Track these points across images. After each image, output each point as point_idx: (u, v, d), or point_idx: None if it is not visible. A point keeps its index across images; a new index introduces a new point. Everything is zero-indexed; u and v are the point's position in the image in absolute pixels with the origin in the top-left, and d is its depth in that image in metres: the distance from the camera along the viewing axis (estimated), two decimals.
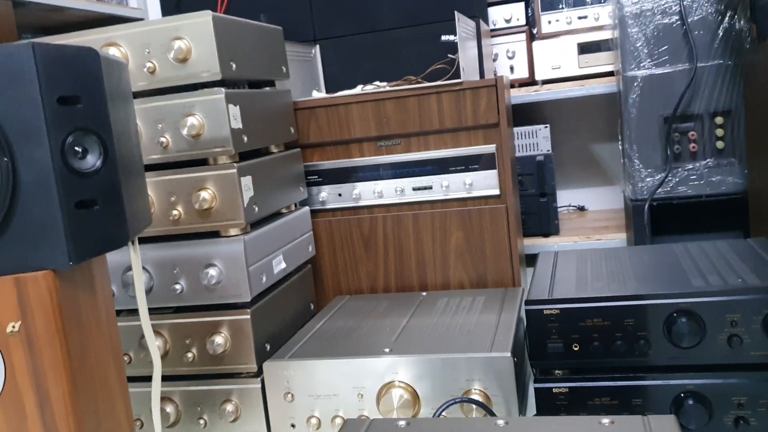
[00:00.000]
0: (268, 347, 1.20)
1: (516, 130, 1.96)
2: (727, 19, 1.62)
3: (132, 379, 1.13)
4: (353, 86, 1.55)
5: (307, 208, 1.43)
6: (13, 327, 0.73)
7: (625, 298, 0.99)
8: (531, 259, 1.46)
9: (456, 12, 1.43)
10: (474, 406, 1.03)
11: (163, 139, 1.13)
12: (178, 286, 1.15)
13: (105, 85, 0.76)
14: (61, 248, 0.72)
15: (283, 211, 1.35)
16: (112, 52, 1.12)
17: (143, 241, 1.16)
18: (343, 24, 1.67)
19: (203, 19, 1.10)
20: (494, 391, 1.05)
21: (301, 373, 1.10)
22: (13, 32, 1.49)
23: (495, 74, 1.98)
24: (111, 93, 0.78)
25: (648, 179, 1.71)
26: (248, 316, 1.15)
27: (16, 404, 0.74)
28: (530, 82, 2.00)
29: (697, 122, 1.68)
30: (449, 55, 1.57)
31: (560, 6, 1.98)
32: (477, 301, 1.32)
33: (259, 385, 1.15)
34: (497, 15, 2.02)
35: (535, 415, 1.04)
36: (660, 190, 1.70)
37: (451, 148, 1.42)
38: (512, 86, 1.97)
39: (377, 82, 1.55)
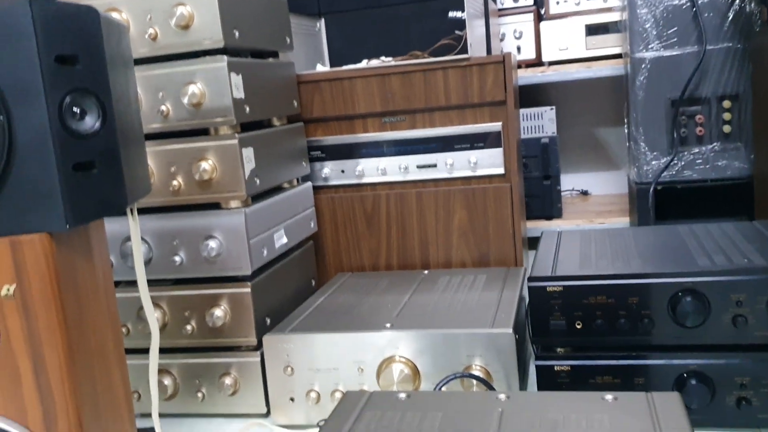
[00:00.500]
0: (269, 321, 1.19)
1: (521, 111, 1.95)
2: (737, 1, 1.60)
3: (130, 351, 1.12)
4: (358, 61, 1.53)
5: (309, 184, 1.42)
6: (8, 290, 0.71)
7: (630, 276, 0.97)
8: (533, 242, 1.45)
9: None
10: (474, 382, 1.02)
11: (163, 108, 1.11)
12: (177, 258, 1.14)
13: (105, 45, 0.75)
14: (57, 211, 0.71)
15: (285, 186, 1.34)
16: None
17: (142, 211, 1.15)
18: None
19: None
20: (495, 367, 1.04)
21: (302, 346, 1.10)
22: None
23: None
24: (111, 55, 0.76)
25: (653, 162, 1.69)
26: (248, 290, 1.14)
27: (11, 369, 0.73)
28: (537, 62, 1.98)
29: (705, 106, 1.66)
30: (456, 32, 1.55)
31: None
32: (479, 280, 1.30)
33: (259, 359, 1.15)
34: None
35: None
36: (665, 173, 1.69)
37: (457, 126, 1.41)
38: (519, 67, 1.95)
39: (383, 57, 1.53)
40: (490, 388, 1.01)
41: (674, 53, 1.65)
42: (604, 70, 1.90)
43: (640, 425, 0.71)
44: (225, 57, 1.10)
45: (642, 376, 0.98)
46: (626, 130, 1.79)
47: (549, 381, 1.01)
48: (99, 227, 0.82)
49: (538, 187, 1.98)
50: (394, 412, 0.80)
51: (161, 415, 1.17)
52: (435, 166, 1.43)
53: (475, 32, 1.51)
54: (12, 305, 0.72)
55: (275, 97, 1.29)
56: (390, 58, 1.50)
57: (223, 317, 1.14)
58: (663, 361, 0.97)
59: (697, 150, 1.67)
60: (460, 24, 1.53)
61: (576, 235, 1.25)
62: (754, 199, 1.60)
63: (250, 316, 1.14)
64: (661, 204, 1.72)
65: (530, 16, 1.98)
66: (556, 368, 1.01)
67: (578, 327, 1.00)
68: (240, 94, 1.13)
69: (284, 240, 1.26)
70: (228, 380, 1.15)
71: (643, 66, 1.66)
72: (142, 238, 1.15)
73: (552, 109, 1.96)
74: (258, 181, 1.17)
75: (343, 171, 1.47)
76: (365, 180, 1.46)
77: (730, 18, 1.61)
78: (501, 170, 1.41)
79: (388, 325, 1.10)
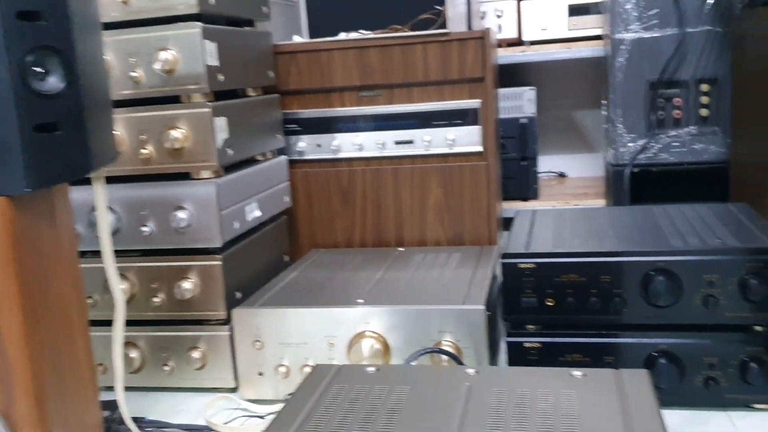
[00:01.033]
0: (239, 295, 1.17)
1: (501, 91, 1.93)
2: None
3: (97, 323, 1.10)
4: (337, 34, 1.50)
5: (284, 157, 1.40)
6: None
7: (603, 254, 0.97)
8: (509, 223, 1.44)
9: None
10: (444, 357, 1.01)
11: (134, 74, 1.08)
12: (146, 228, 1.12)
13: (71, 3, 0.72)
14: (17, 173, 0.68)
15: (259, 158, 1.32)
16: None
17: (111, 180, 1.12)
18: None
19: None
20: (466, 343, 1.03)
21: (272, 321, 1.08)
22: None
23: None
24: (77, 14, 0.74)
25: (630, 144, 1.69)
26: (219, 262, 1.12)
27: None
28: (517, 42, 1.97)
29: (683, 89, 1.66)
30: (437, 7, 1.53)
31: None
32: (453, 258, 1.30)
33: (228, 333, 1.13)
34: None
35: None
36: (641, 156, 1.69)
37: (435, 102, 1.39)
38: (499, 46, 1.93)
39: (362, 31, 1.51)
40: (460, 363, 1.01)
41: (654, 35, 1.64)
42: (584, 51, 1.89)
43: (607, 401, 0.71)
44: (199, 23, 1.08)
45: (612, 354, 0.98)
46: (604, 112, 1.79)
47: (519, 358, 1.01)
48: (63, 192, 0.80)
49: (515, 168, 1.97)
50: (362, 385, 0.79)
51: (127, 389, 1.15)
52: (412, 142, 1.42)
53: (455, 8, 1.49)
54: None
55: (250, 67, 1.27)
56: (369, 32, 1.48)
57: (192, 290, 1.12)
58: (633, 340, 0.97)
59: (674, 133, 1.67)
60: None
61: (551, 214, 1.25)
62: (729, 183, 1.61)
63: (220, 289, 1.12)
64: (637, 186, 1.72)
65: None
66: (526, 345, 1.01)
67: (549, 304, 1.00)
68: (214, 61, 1.11)
69: (257, 213, 1.24)
70: (196, 354, 1.14)
71: (622, 47, 1.66)
72: (111, 208, 1.13)
73: (532, 89, 1.95)
74: (231, 152, 1.15)
75: (319, 145, 1.45)
76: (341, 155, 1.45)
77: (710, 1, 1.61)
78: (478, 148, 1.40)
79: (360, 300, 1.09)
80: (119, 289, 0.94)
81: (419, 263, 1.27)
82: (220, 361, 1.14)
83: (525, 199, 1.98)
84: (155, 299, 1.14)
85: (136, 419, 1.02)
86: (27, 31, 0.68)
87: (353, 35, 1.45)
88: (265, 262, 1.30)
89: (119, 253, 1.12)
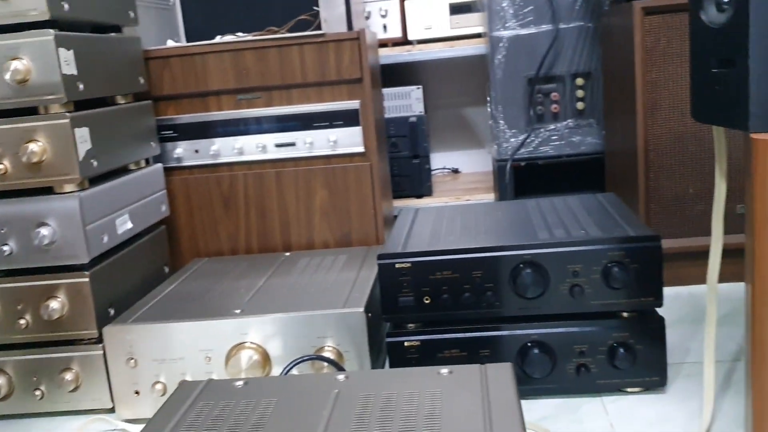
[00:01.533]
0: (112, 312, 1.13)
1: (389, 91, 1.94)
2: None
3: None
4: (214, 38, 1.47)
5: (159, 165, 1.35)
6: None
7: (473, 250, 0.98)
8: None
9: None
10: (325, 364, 1.00)
11: None
12: (6, 248, 1.06)
13: None
14: None
15: (132, 167, 1.27)
16: None
17: None
18: None
19: None
20: (347, 347, 1.02)
21: (144, 337, 1.04)
22: None
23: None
24: None
25: (512, 140, 1.73)
26: (86, 279, 1.07)
27: None
28: (403, 41, 1.98)
29: (560, 84, 1.71)
30: (315, 8, 1.52)
31: None
32: (339, 260, 1.29)
33: (101, 352, 1.08)
34: None
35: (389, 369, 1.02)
36: (523, 150, 1.73)
37: (315, 103, 1.38)
38: (385, 45, 1.94)
39: (239, 33, 1.48)
40: (340, 368, 1.00)
41: (530, 32, 1.68)
42: (467, 50, 1.92)
43: (470, 397, 0.72)
44: (52, 31, 1.02)
45: (487, 347, 0.99)
46: (488, 109, 1.82)
47: (399, 357, 1.01)
48: None
49: (407, 166, 1.98)
50: (228, 400, 0.77)
51: None
52: (294, 144, 1.40)
53: (334, 9, 1.48)
54: None
55: (117, 74, 1.22)
56: (245, 34, 1.45)
57: (60, 309, 1.07)
58: (506, 333, 0.99)
59: (552, 127, 1.71)
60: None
61: (432, 212, 1.26)
62: (604, 173, 1.67)
63: (90, 306, 1.07)
64: (521, 180, 1.77)
65: None
66: (405, 344, 1.01)
67: (426, 302, 1.00)
68: (71, 70, 1.06)
69: (129, 225, 1.20)
70: (69, 375, 1.09)
71: (501, 45, 1.69)
72: None
73: (419, 88, 1.97)
74: (95, 163, 1.10)
75: (197, 151, 1.41)
76: (221, 160, 1.41)
77: None
78: (360, 148, 1.40)
79: (237, 311, 1.06)
80: None
81: (304, 267, 1.26)
82: (95, 382, 1.09)
83: (419, 196, 2.00)
84: (21, 321, 1.08)
85: None
86: None
87: (229, 38, 1.42)
88: (141, 276, 1.25)
89: None
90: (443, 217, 1.20)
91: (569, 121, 1.71)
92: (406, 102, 1.99)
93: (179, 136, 1.41)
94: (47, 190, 1.07)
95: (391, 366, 1.02)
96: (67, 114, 1.04)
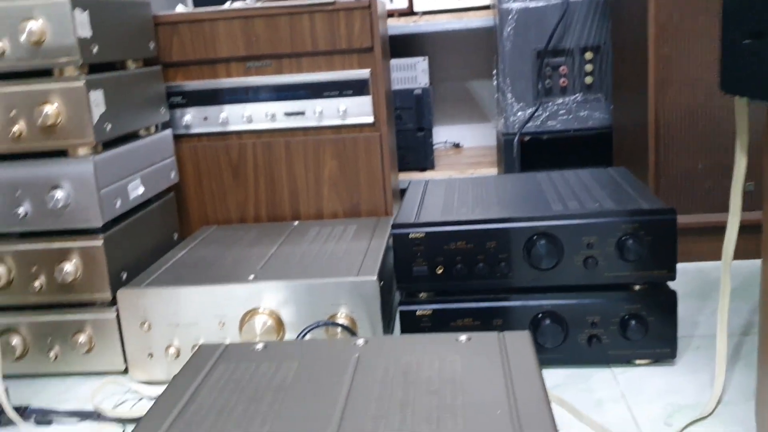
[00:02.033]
0: (125, 276, 1.13)
1: (395, 62, 1.93)
2: None
3: None
4: (222, 3, 1.46)
5: (169, 131, 1.35)
6: None
7: (488, 221, 0.99)
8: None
9: None
10: (339, 330, 1.01)
11: None
12: (21, 210, 1.06)
13: None
14: None
15: (142, 133, 1.26)
16: None
17: None
18: None
19: None
20: (360, 315, 1.03)
21: (158, 301, 1.05)
22: None
23: None
24: None
25: (519, 113, 1.73)
26: (100, 243, 1.07)
27: None
28: (409, 12, 1.97)
29: (568, 57, 1.70)
30: None
31: None
32: (348, 230, 1.29)
33: (115, 315, 1.09)
34: None
35: None
36: (530, 124, 1.73)
37: (325, 72, 1.37)
38: (391, 16, 1.93)
39: (248, 0, 1.46)
40: (354, 335, 1.01)
41: (540, 4, 1.67)
42: (474, 21, 1.91)
43: (490, 364, 0.73)
44: None
45: (500, 317, 1.00)
46: (495, 82, 1.82)
47: (412, 325, 1.02)
48: None
49: (411, 138, 1.98)
50: (248, 363, 0.78)
51: (10, 376, 1.10)
52: (303, 113, 1.40)
53: None
54: None
55: (128, 38, 1.21)
56: (254, 1, 1.44)
57: (74, 272, 1.07)
58: (519, 303, 1.00)
59: (560, 101, 1.71)
60: None
61: (441, 184, 1.26)
62: (611, 149, 1.67)
63: (104, 270, 1.08)
64: (527, 154, 1.77)
65: None
66: (418, 313, 1.02)
67: (439, 272, 1.01)
68: (86, 32, 1.05)
69: (141, 190, 1.20)
70: (82, 338, 1.09)
71: (510, 17, 1.68)
72: None
73: (425, 59, 1.96)
74: (109, 127, 1.10)
75: (206, 118, 1.40)
76: (230, 128, 1.41)
77: None
78: (370, 119, 1.39)
79: (251, 276, 1.07)
80: None
81: (314, 236, 1.27)
82: (108, 345, 1.10)
83: (422, 169, 2.00)
84: (35, 283, 1.08)
85: (19, 408, 0.97)
86: None
87: (239, 4, 1.41)
88: (152, 241, 1.25)
89: None
90: (454, 189, 1.20)
91: (577, 95, 1.71)
92: (411, 74, 1.98)
93: (188, 103, 1.40)
94: (61, 154, 1.07)
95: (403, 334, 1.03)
96: (83, 77, 1.04)
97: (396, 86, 1.96)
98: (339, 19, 1.34)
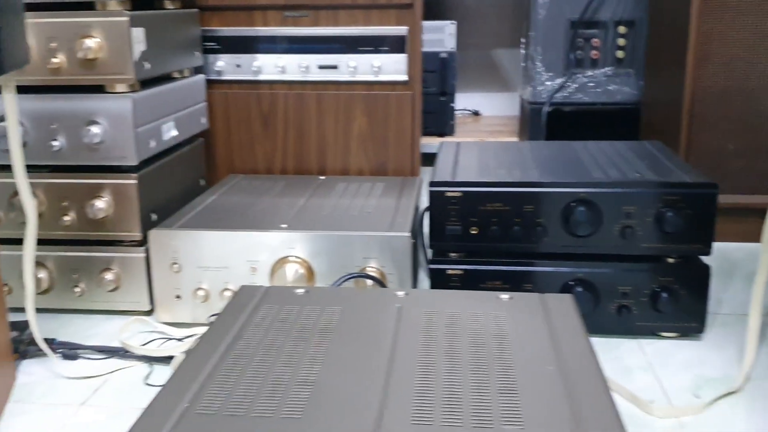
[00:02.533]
0: (155, 217, 1.13)
1: (423, 24, 1.91)
2: None
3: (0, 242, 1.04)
4: None
5: (201, 76, 1.34)
6: None
7: (527, 184, 0.99)
8: (428, 158, 1.44)
9: None
10: (370, 283, 1.02)
11: None
12: (56, 143, 1.05)
13: None
14: None
15: (176, 75, 1.25)
16: None
17: (17, 90, 1.04)
18: None
19: None
20: (390, 269, 1.03)
21: (190, 243, 1.05)
22: None
23: None
24: None
25: (548, 83, 1.72)
26: (134, 181, 1.07)
27: None
28: None
29: (602, 30, 1.69)
30: None
31: None
32: (376, 188, 1.29)
33: (143, 255, 1.09)
34: None
35: None
36: (557, 95, 1.72)
37: (362, 26, 1.36)
38: None
39: None
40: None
41: None
42: None
43: (534, 323, 0.73)
44: None
45: (531, 282, 1.01)
46: (523, 50, 1.80)
47: (441, 284, 1.02)
48: None
49: (434, 102, 1.96)
50: (291, 305, 0.78)
51: (36, 310, 1.10)
52: (336, 67, 1.39)
53: None
54: None
55: None
56: None
57: (105, 209, 1.07)
58: (551, 269, 1.00)
59: (590, 73, 1.70)
60: None
61: (474, 146, 1.26)
62: (639, 125, 1.66)
63: (135, 209, 1.07)
64: (550, 125, 1.76)
65: None
66: (448, 272, 1.02)
67: (473, 233, 1.01)
68: None
69: (174, 132, 1.19)
70: (109, 275, 1.09)
71: None
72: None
73: (453, 23, 1.94)
74: (148, 66, 1.08)
75: (238, 66, 1.39)
76: (262, 77, 1.40)
77: None
78: (404, 77, 1.38)
79: (283, 225, 1.07)
80: (31, 202, 0.89)
81: (343, 192, 1.26)
82: (135, 284, 1.10)
83: (441, 134, 1.99)
84: (65, 218, 1.08)
85: (45, 340, 0.97)
86: None
87: None
88: (181, 185, 1.25)
89: (26, 169, 1.04)
90: (488, 152, 1.20)
91: (607, 68, 1.69)
92: (438, 36, 1.96)
93: (222, 49, 1.38)
94: (98, 89, 1.06)
95: None
96: (126, 12, 1.02)
97: (422, 48, 1.94)
98: None
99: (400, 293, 0.81)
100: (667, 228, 0.96)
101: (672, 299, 0.97)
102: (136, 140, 1.05)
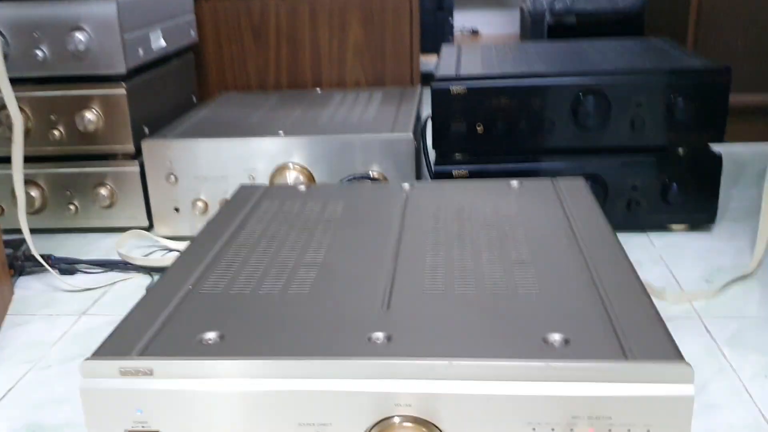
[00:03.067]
0: (147, 130, 1.09)
1: None
2: None
3: None
4: None
5: None
6: None
7: (534, 75, 0.95)
8: (425, 78, 1.38)
9: None
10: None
11: None
12: (39, 53, 1.01)
13: None
14: None
15: None
16: None
17: None
18: None
19: None
20: (393, 174, 1.00)
21: (186, 153, 1.01)
22: None
23: None
24: None
25: None
26: (123, 91, 1.03)
27: None
28: None
29: None
30: None
31: None
32: (375, 97, 1.25)
33: (137, 168, 1.06)
34: None
35: None
36: (559, 4, 1.66)
37: None
38: None
39: None
40: None
41: None
42: None
43: (547, 203, 0.70)
44: None
45: None
46: None
47: None
48: None
49: (431, 18, 1.91)
50: (293, 201, 0.75)
51: (30, 230, 1.07)
52: None
53: None
54: None
55: None
56: None
57: (95, 121, 1.03)
58: (561, 165, 0.97)
59: None
60: None
61: (476, 46, 1.21)
62: (643, 32, 1.61)
63: (126, 120, 1.04)
64: (551, 36, 1.71)
65: None
66: (454, 173, 0.99)
67: (479, 131, 0.97)
68: None
69: (162, 42, 1.14)
70: (103, 191, 1.06)
71: None
72: None
73: None
74: None
75: None
76: None
77: None
78: None
79: (281, 132, 1.03)
80: (17, 111, 0.85)
81: (341, 101, 1.22)
82: (131, 199, 1.07)
83: (439, 53, 1.93)
84: (55, 132, 1.04)
85: (42, 257, 0.95)
86: None
87: None
88: (172, 100, 1.21)
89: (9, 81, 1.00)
90: (491, 51, 1.16)
91: None
92: None
93: None
94: None
95: None
96: None
97: None
98: None
99: (406, 185, 0.78)
100: (678, 116, 0.92)
101: (682, 190, 0.95)
102: (124, 47, 1.01)
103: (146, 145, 1.02)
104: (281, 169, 1.01)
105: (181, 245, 1.02)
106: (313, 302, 0.52)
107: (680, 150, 0.96)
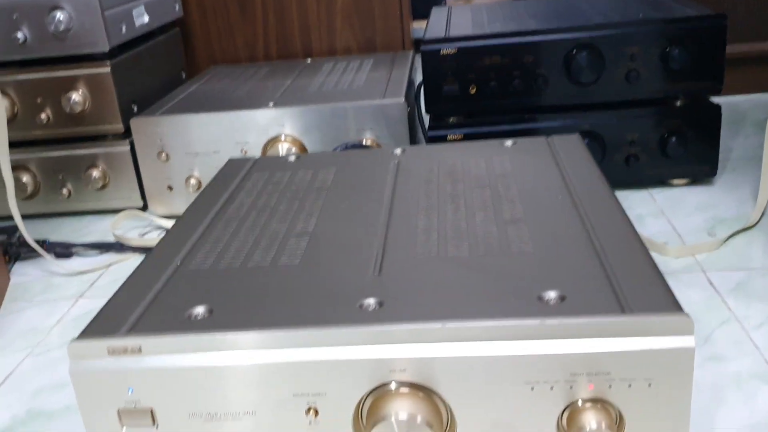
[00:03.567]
0: (135, 108, 1.07)
1: None
2: None
3: None
4: None
5: None
6: None
7: (525, 33, 0.93)
8: (416, 45, 1.36)
9: None
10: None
11: None
12: (20, 35, 0.99)
13: None
14: None
15: None
16: None
17: None
18: None
19: None
20: (386, 141, 0.99)
21: (176, 129, 1.00)
22: None
23: None
24: None
25: None
26: (108, 69, 1.01)
27: None
28: None
29: None
30: None
31: None
32: (366, 63, 1.23)
33: (128, 147, 1.04)
34: None
35: None
36: None
37: None
38: None
39: None
40: None
41: None
42: None
43: (541, 160, 0.69)
44: None
45: None
46: None
47: None
48: None
49: None
50: (283, 171, 0.74)
51: (22, 216, 1.06)
52: None
53: None
54: None
55: None
56: None
57: (82, 102, 1.01)
58: (556, 123, 0.95)
59: None
60: None
61: (466, 7, 1.19)
62: None
63: (113, 99, 1.02)
64: None
65: None
66: (449, 137, 0.98)
67: (472, 92, 0.96)
68: None
69: (145, 18, 1.12)
70: (95, 173, 1.05)
71: None
72: None
73: None
74: None
75: None
76: None
77: None
78: None
79: (270, 103, 1.01)
80: None
81: (331, 69, 1.20)
82: (124, 179, 1.06)
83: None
84: (42, 116, 1.03)
85: (37, 242, 0.94)
86: None
87: None
88: (160, 77, 1.19)
89: None
90: (482, 11, 1.13)
91: None
92: None
93: None
94: None
95: None
96: None
97: None
98: None
99: (398, 151, 0.76)
100: (674, 66, 0.90)
101: (682, 143, 0.93)
102: (105, 24, 0.99)
103: (135, 123, 1.00)
104: (273, 141, 1.00)
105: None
106: (303, 272, 0.51)
107: (678, 102, 0.94)
